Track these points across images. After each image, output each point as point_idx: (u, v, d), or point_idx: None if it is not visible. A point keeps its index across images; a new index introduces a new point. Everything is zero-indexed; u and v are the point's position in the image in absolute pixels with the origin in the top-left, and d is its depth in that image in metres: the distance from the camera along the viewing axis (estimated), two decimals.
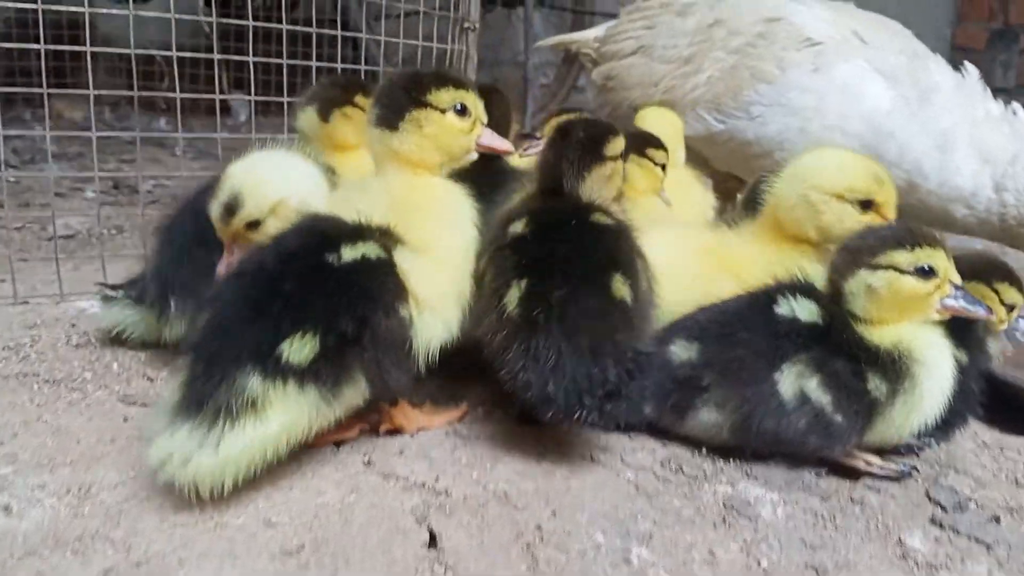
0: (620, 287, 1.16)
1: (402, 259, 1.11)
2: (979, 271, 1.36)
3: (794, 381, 1.10)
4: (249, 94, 2.06)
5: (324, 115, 1.56)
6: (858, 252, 1.12)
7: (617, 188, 1.35)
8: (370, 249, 1.09)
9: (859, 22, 2.17)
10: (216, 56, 1.82)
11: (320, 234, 1.10)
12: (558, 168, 1.27)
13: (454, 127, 1.20)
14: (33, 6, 1.65)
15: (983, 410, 1.30)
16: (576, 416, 1.09)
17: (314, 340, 1.00)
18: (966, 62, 2.09)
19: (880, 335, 1.13)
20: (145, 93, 1.80)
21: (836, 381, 1.09)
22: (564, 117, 1.56)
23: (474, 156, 1.25)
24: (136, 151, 1.96)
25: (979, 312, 1.16)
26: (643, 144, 1.67)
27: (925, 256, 1.11)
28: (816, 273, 1.21)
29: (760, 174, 1.81)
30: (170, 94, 1.84)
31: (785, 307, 1.14)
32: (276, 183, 1.22)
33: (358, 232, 1.11)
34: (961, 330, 1.26)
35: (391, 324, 1.06)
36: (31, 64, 2.75)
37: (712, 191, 2.46)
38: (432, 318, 1.12)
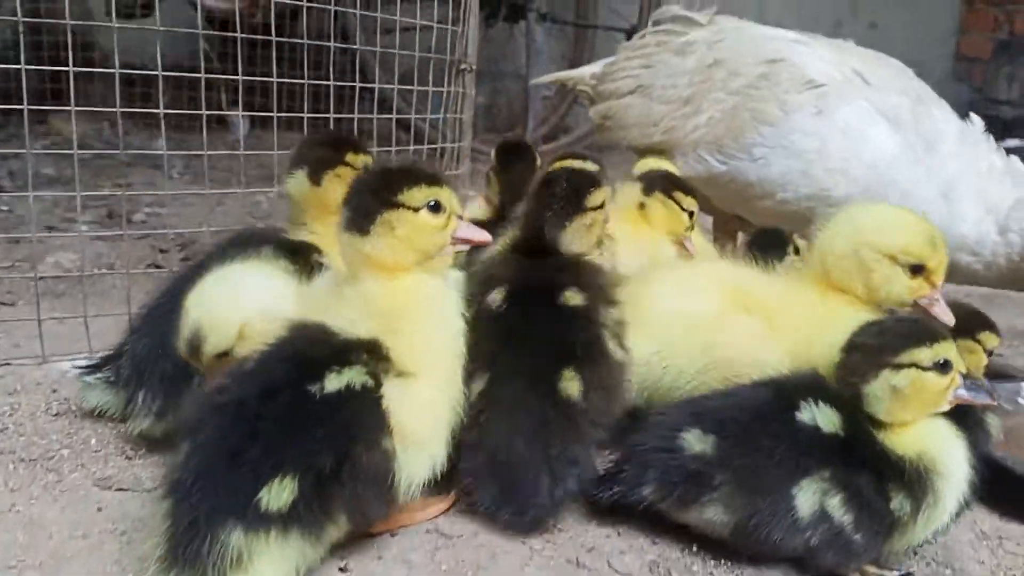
0: (568, 384, 1.18)
1: (389, 387, 1.06)
2: (959, 325, 1.32)
3: (813, 497, 1.05)
4: (251, 110, 2.02)
5: (315, 179, 1.44)
6: (879, 352, 1.07)
7: (598, 237, 1.37)
8: (356, 376, 1.03)
9: (861, 61, 2.13)
10: (203, 75, 1.75)
11: (304, 361, 1.05)
12: (540, 218, 1.31)
13: (428, 225, 1.13)
14: (13, 19, 1.60)
15: (984, 494, 1.26)
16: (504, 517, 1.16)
17: (293, 482, 0.96)
18: (972, 114, 2.06)
19: (904, 443, 1.08)
20: (126, 110, 1.74)
21: (859, 500, 1.04)
22: (558, 165, 1.60)
23: (451, 251, 1.18)
24: (133, 174, 1.83)
25: (984, 400, 1.13)
26: (671, 186, 1.76)
27: (942, 350, 1.08)
28: (852, 324, 1.15)
29: (764, 227, 1.80)
30: (153, 110, 1.77)
31: (807, 414, 1.08)
32: (235, 308, 1.15)
33: (344, 353, 1.05)
34: (960, 410, 1.23)
35: (373, 458, 1.01)
36: (31, 82, 2.73)
37: (713, 230, 2.43)
38: (417, 452, 1.07)
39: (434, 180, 1.14)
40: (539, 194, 1.34)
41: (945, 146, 1.92)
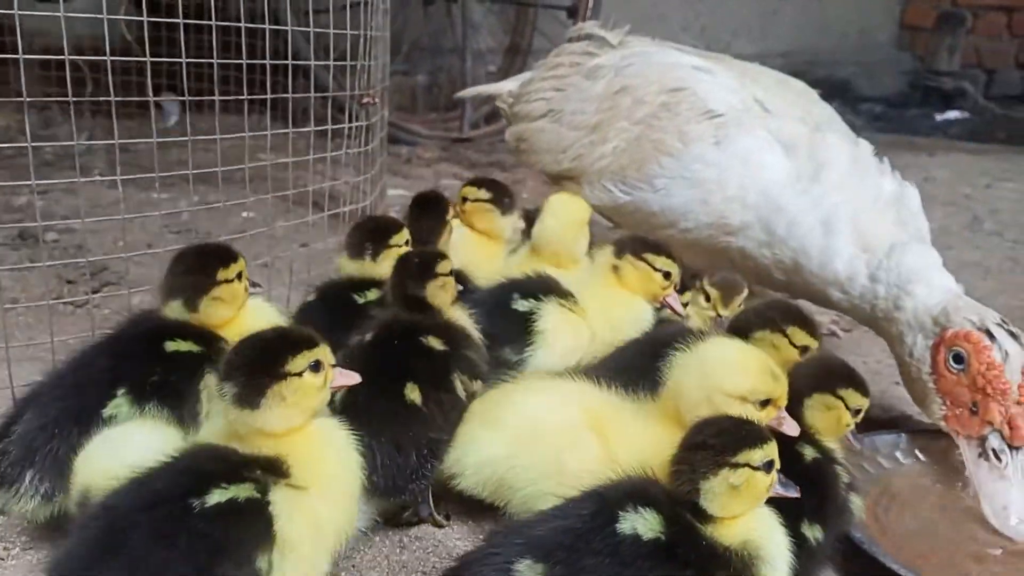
0: (411, 393, 1.39)
1: (279, 497, 1.08)
2: (821, 381, 1.40)
3: None
4: (183, 95, 1.99)
5: (192, 307, 1.45)
6: (719, 452, 1.13)
7: (452, 295, 1.62)
8: (241, 491, 1.05)
9: (763, 89, 2.15)
10: (148, 59, 1.71)
11: (196, 473, 1.07)
12: (403, 286, 1.59)
13: (313, 386, 1.17)
14: None
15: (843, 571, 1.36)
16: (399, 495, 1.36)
17: None
18: (861, 139, 2.09)
19: (729, 535, 1.13)
20: (34, 99, 1.70)
21: None
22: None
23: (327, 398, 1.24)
24: (52, 174, 1.74)
25: (792, 494, 1.20)
26: (642, 247, 1.80)
27: (769, 452, 1.15)
28: None
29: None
30: (63, 99, 1.71)
31: (627, 524, 1.10)
32: (121, 467, 1.12)
33: (240, 468, 1.08)
34: (827, 491, 1.31)
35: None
36: None
37: None
38: (296, 563, 1.08)
39: (311, 341, 1.18)
40: (399, 271, 1.62)
41: (832, 175, 1.92)
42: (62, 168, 3.08)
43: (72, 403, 1.31)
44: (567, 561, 1.06)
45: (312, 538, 1.10)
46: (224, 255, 1.47)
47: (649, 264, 1.77)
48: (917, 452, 1.68)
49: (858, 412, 1.43)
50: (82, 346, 1.46)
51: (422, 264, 1.60)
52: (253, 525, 1.04)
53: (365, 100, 2.47)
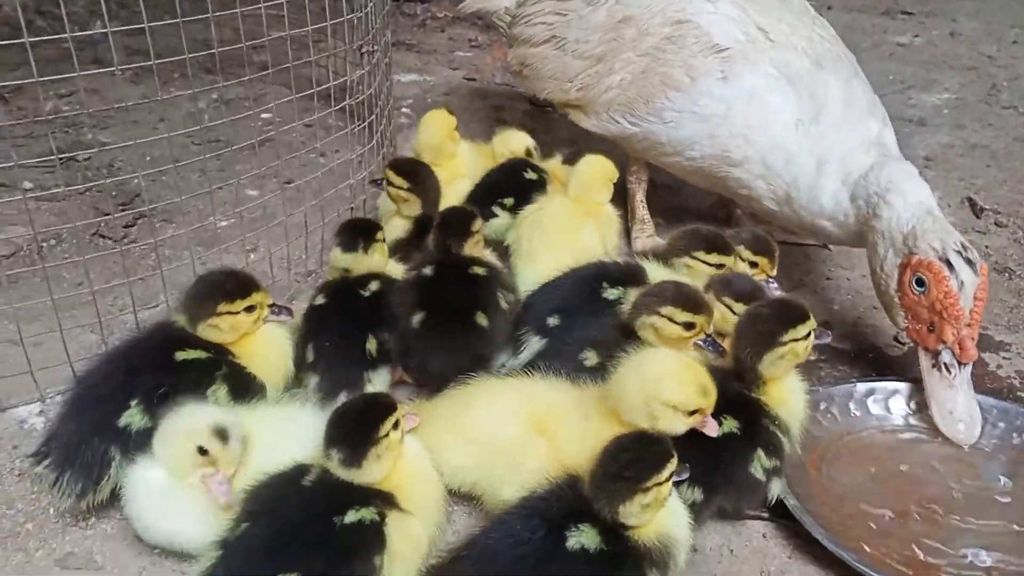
0: (481, 319, 1.78)
1: (391, 520, 1.36)
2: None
3: None
4: None
5: (192, 327, 1.62)
6: (633, 481, 1.30)
7: (481, 247, 1.94)
8: (367, 514, 1.33)
9: (764, 14, 2.18)
10: None
11: (336, 499, 1.35)
12: (447, 240, 1.90)
13: (396, 441, 1.42)
14: None
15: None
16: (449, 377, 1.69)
17: None
18: (859, 73, 2.16)
19: (647, 534, 1.33)
20: None
21: None
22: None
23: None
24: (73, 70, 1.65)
25: (684, 477, 1.39)
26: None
27: (671, 465, 1.32)
28: None
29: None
30: None
31: (574, 541, 1.29)
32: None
33: (366, 497, 1.36)
34: (710, 471, 1.51)
35: (364, 569, 1.31)
36: None
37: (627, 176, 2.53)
38: (401, 567, 1.36)
39: (392, 407, 1.43)
40: (439, 229, 1.91)
41: (829, 117, 2.03)
42: (84, 64, 3.09)
43: (95, 415, 1.49)
44: None
45: (412, 548, 1.38)
46: (233, 289, 1.62)
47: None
48: (869, 403, 1.86)
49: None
50: (103, 355, 1.62)
51: (460, 226, 1.90)
52: (374, 538, 1.33)
53: (364, 49, 2.48)
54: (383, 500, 1.38)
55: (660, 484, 1.31)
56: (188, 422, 1.41)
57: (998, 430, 1.80)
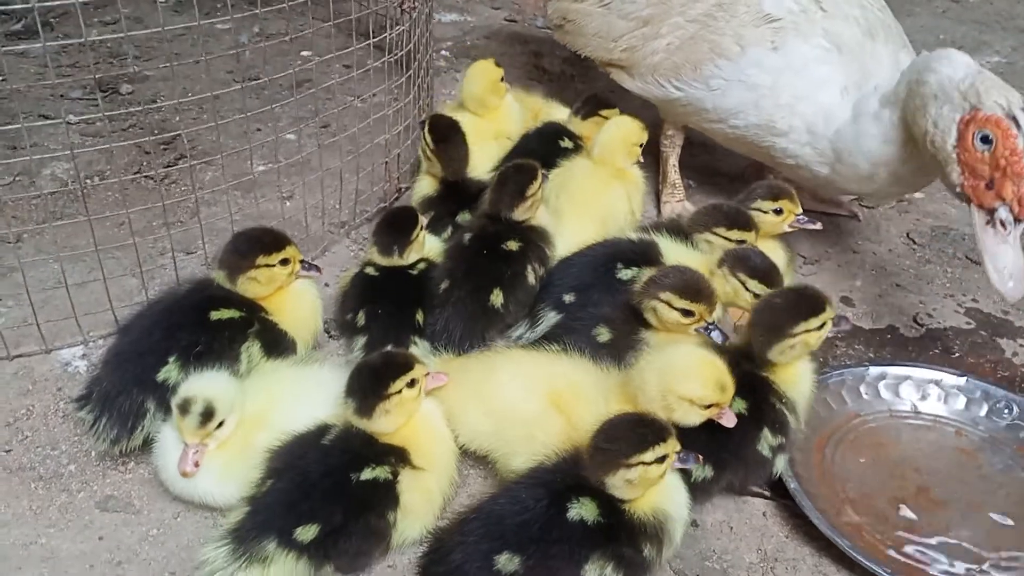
0: (496, 298, 1.85)
1: (405, 477, 1.45)
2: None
3: (596, 572, 1.36)
4: None
5: (232, 281, 1.69)
6: (617, 455, 1.37)
7: (537, 208, 1.97)
8: (381, 472, 1.43)
9: None
10: None
11: (354, 455, 1.44)
12: (499, 203, 1.94)
13: (409, 399, 1.50)
14: None
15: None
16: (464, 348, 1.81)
17: (316, 527, 1.36)
18: (907, 46, 2.15)
19: (642, 507, 1.40)
20: None
21: (625, 562, 1.38)
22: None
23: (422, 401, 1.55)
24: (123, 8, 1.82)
25: (691, 465, 1.46)
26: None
27: (662, 448, 1.38)
28: None
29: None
30: None
31: (575, 512, 1.37)
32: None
33: (381, 455, 1.45)
34: (719, 448, 1.55)
35: (379, 523, 1.42)
36: None
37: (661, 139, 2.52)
38: (413, 521, 1.46)
39: (408, 366, 1.50)
40: (496, 188, 1.96)
41: (877, 84, 2.03)
42: None
43: (135, 368, 1.57)
44: (536, 551, 1.34)
45: (424, 502, 1.48)
46: (270, 243, 1.70)
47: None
48: (880, 387, 1.89)
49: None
50: (144, 309, 1.70)
51: (516, 189, 1.92)
52: (387, 495, 1.43)
53: (405, 5, 2.46)
54: (397, 458, 1.46)
55: (646, 464, 1.38)
56: (184, 386, 1.50)
57: (1005, 421, 1.83)
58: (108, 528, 1.51)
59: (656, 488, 1.43)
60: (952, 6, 4.20)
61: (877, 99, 2.00)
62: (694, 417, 1.50)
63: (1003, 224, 1.76)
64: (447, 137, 2.11)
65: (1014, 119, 1.73)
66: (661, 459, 1.40)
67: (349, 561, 1.43)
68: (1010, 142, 1.72)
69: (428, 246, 1.94)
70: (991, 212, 1.77)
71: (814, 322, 1.61)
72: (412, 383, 1.49)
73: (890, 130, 1.96)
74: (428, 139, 2.11)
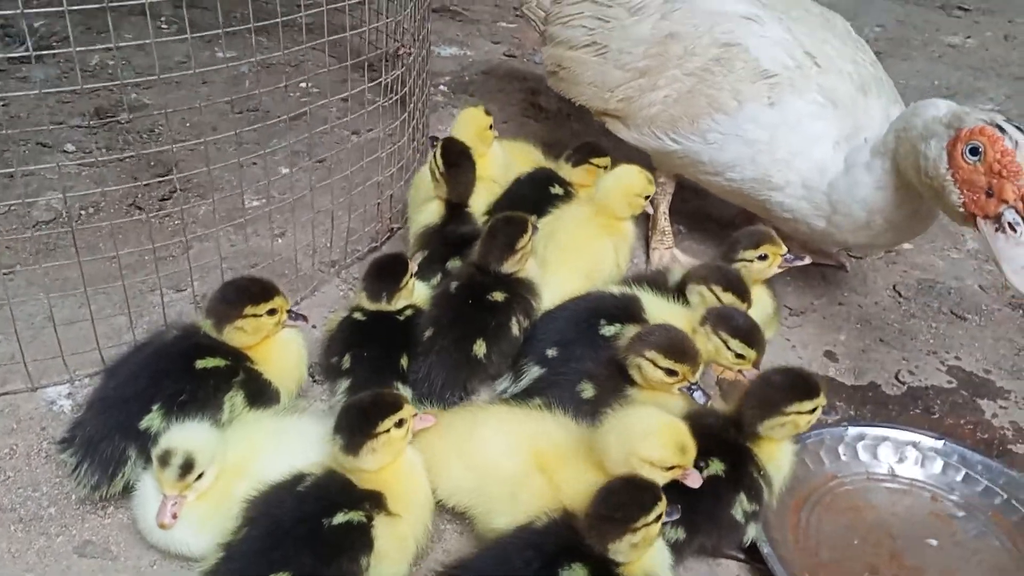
0: (479, 348, 1.86)
1: (379, 522, 1.45)
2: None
3: None
4: None
5: (218, 330, 1.70)
6: (622, 521, 1.38)
7: (526, 260, 1.98)
8: (355, 516, 1.43)
9: (809, 33, 2.20)
10: None
11: (328, 500, 1.45)
12: (488, 256, 1.95)
13: (396, 438, 1.52)
14: None
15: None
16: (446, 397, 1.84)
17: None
18: (897, 100, 2.19)
19: (635, 571, 1.41)
20: None
21: None
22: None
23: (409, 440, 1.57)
24: (121, 26, 1.85)
25: (674, 517, 1.48)
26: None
27: (658, 508, 1.40)
28: None
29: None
30: None
31: None
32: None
33: (356, 500, 1.46)
34: (691, 510, 1.55)
35: (351, 568, 1.42)
36: None
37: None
38: (388, 567, 1.46)
39: (396, 406, 1.52)
40: (486, 240, 1.97)
41: (869, 137, 2.07)
42: (125, 13, 3.07)
43: (119, 415, 1.59)
44: None
45: (398, 548, 1.48)
46: (258, 293, 1.71)
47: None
48: (858, 449, 1.90)
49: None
50: (130, 353, 1.72)
51: (506, 242, 1.94)
52: (361, 539, 1.44)
53: (401, 51, 2.49)
54: (373, 503, 1.47)
55: (648, 525, 1.40)
56: (165, 437, 1.51)
57: (980, 487, 1.85)
58: (85, 574, 1.52)
59: (649, 554, 1.44)
60: (948, 51, 4.24)
61: (868, 150, 2.03)
62: (658, 478, 1.51)
63: (1012, 227, 1.76)
64: (458, 163, 2.14)
65: (997, 126, 1.76)
66: (658, 517, 1.42)
67: None
68: (998, 145, 1.75)
69: (416, 292, 1.97)
70: (997, 219, 1.77)
71: (807, 405, 1.63)
72: (400, 423, 1.50)
73: (882, 176, 2.00)
74: (439, 162, 2.14)
